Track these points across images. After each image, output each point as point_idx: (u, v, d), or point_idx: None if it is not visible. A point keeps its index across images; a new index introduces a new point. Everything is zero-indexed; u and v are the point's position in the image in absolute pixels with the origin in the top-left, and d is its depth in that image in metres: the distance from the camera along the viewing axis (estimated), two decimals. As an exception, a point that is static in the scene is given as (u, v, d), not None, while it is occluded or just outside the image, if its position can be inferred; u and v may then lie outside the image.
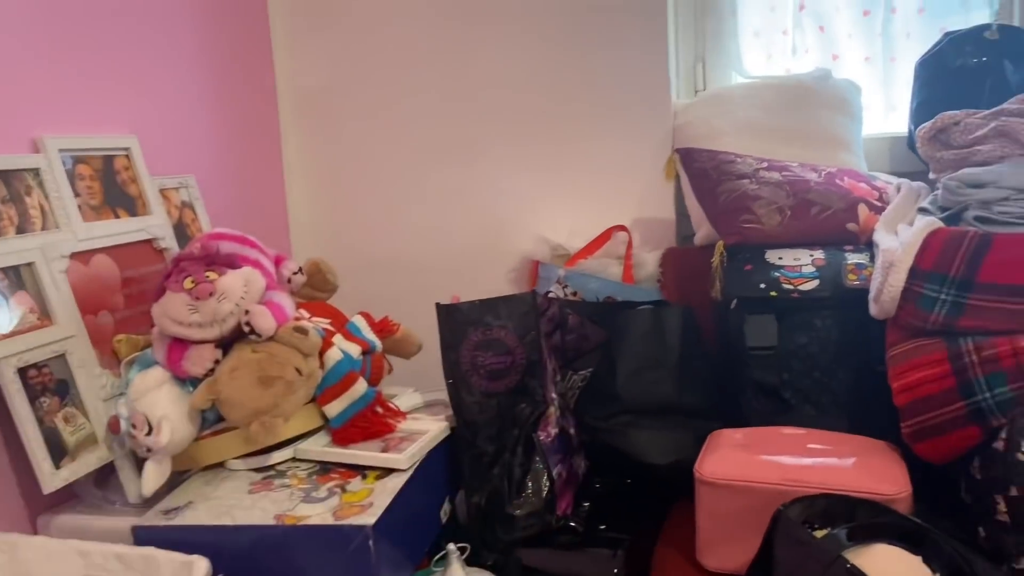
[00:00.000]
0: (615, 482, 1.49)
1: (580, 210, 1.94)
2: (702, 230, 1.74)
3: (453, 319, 1.37)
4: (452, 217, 2.02)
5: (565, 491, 1.37)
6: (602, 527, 1.36)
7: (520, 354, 1.36)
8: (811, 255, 1.49)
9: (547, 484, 1.33)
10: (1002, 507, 1.17)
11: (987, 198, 1.30)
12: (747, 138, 1.81)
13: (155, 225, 1.52)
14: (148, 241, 1.51)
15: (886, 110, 1.92)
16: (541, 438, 1.35)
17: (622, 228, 1.89)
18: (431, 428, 1.35)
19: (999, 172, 1.31)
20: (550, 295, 1.54)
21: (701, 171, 1.65)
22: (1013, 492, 1.16)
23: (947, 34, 1.76)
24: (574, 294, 1.81)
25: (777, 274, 1.46)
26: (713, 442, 1.35)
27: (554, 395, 1.40)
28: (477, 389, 1.35)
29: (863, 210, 1.55)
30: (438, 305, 1.38)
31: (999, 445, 1.18)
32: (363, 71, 2.04)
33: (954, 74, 1.72)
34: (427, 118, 2.02)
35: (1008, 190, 1.30)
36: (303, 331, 1.28)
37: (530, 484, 1.33)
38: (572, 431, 1.45)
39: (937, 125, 1.45)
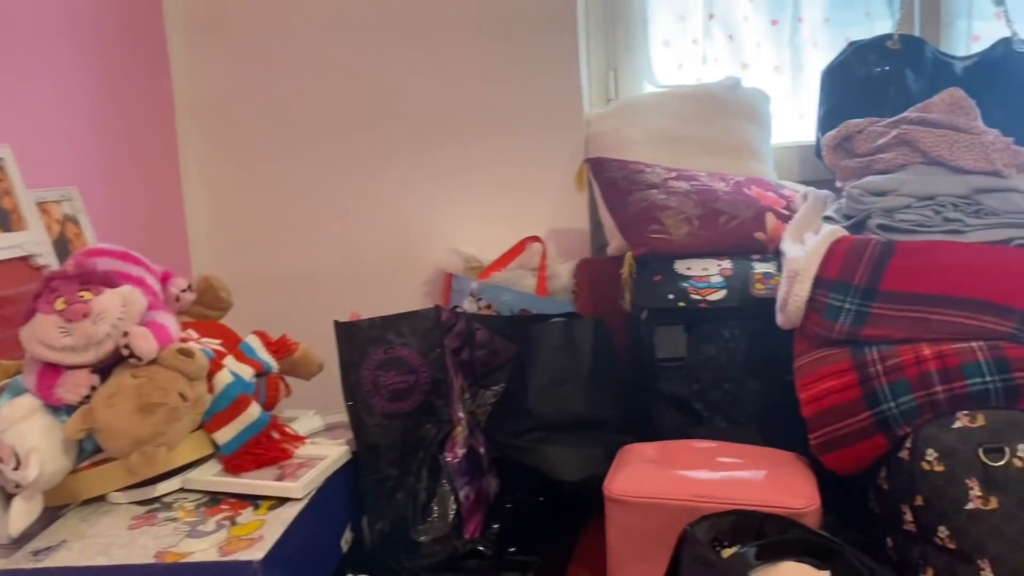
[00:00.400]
0: (527, 501, 1.45)
1: (494, 221, 1.90)
2: (614, 240, 1.71)
3: (353, 337, 1.31)
4: (362, 229, 1.96)
5: (473, 514, 1.32)
6: (512, 550, 1.31)
7: (424, 373, 1.30)
8: (719, 265, 1.48)
9: (454, 507, 1.28)
10: (908, 517, 1.17)
11: (889, 206, 1.30)
12: (658, 147, 1.79)
13: (32, 241, 1.42)
14: (24, 258, 1.40)
15: (795, 118, 1.94)
16: (448, 459, 1.30)
17: (536, 239, 1.85)
18: (330, 453, 1.28)
19: (900, 180, 1.32)
20: (458, 310, 1.50)
21: (611, 181, 1.62)
22: (918, 501, 1.15)
23: (851, 43, 1.79)
24: (488, 307, 1.76)
25: (685, 285, 1.44)
26: (623, 457, 1.32)
27: (461, 414, 1.35)
28: (379, 410, 1.29)
29: (770, 219, 1.54)
30: (336, 323, 1.32)
31: (904, 455, 1.17)
32: (267, 78, 1.96)
33: (859, 83, 1.74)
34: (335, 127, 1.95)
35: (909, 198, 1.31)
36: (188, 353, 1.20)
37: (436, 508, 1.28)
38: (482, 450, 1.40)
39: (841, 133, 1.46)
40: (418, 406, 1.30)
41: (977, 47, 1.81)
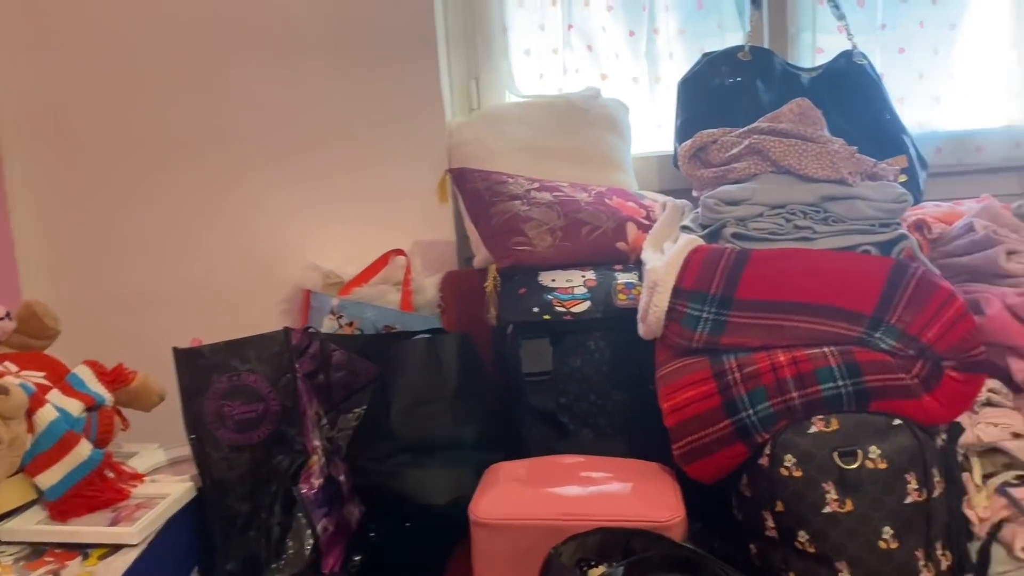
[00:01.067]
0: (393, 529, 1.38)
1: (355, 234, 1.83)
2: (480, 253, 1.67)
3: (194, 365, 1.21)
4: (211, 247, 1.84)
5: (333, 546, 1.25)
6: (376, 581, 1.25)
7: (274, 400, 1.22)
8: (583, 276, 1.46)
9: (311, 541, 1.20)
10: (770, 523, 1.18)
11: (743, 215, 1.32)
12: (521, 157, 1.77)
13: None
14: None
15: (654, 128, 1.96)
16: (303, 491, 1.22)
17: (400, 252, 1.79)
18: (172, 491, 1.18)
19: (753, 189, 1.34)
20: (311, 330, 1.42)
21: (474, 192, 1.59)
22: (779, 507, 1.16)
23: (705, 55, 1.82)
24: (350, 324, 1.69)
25: (550, 297, 1.42)
26: (490, 478, 1.28)
27: (317, 443, 1.27)
28: (225, 443, 1.20)
29: (631, 229, 1.54)
30: (176, 350, 1.22)
31: (764, 461, 1.18)
32: (104, 89, 1.82)
33: (713, 93, 1.78)
34: (179, 139, 1.83)
35: (762, 206, 1.33)
36: (3, 390, 1.08)
37: (291, 543, 1.19)
38: (342, 478, 1.33)
39: (696, 143, 1.47)
40: (268, 436, 1.22)
41: (821, 59, 1.89)
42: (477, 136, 1.80)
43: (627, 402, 1.40)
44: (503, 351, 1.45)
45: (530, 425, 1.40)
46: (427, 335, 1.49)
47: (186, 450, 1.30)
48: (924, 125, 1.92)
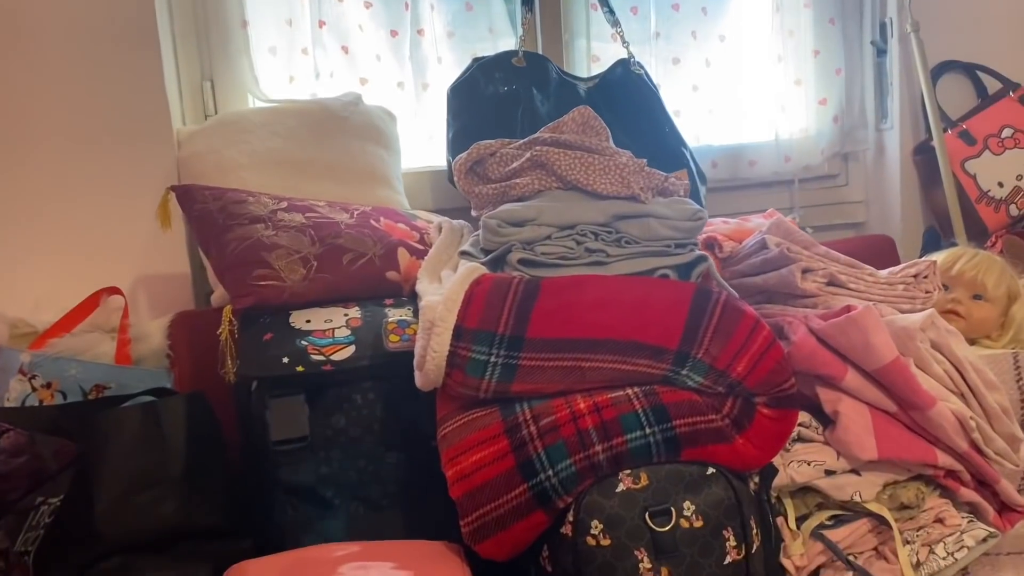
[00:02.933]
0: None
1: (54, 271, 1.46)
2: (218, 289, 1.37)
3: None
4: None
5: None
6: None
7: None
8: (346, 314, 1.21)
9: None
10: (577, 601, 0.99)
11: (529, 237, 1.14)
12: (269, 172, 1.50)
13: None
14: None
15: (425, 139, 1.75)
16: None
17: (115, 291, 1.44)
18: None
19: (538, 208, 1.16)
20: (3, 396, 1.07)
21: (203, 214, 1.28)
22: (586, 582, 0.98)
23: (476, 60, 1.64)
24: (47, 387, 1.32)
25: (304, 343, 1.15)
26: (229, 586, 0.99)
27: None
28: None
29: (403, 255, 1.32)
30: None
31: (567, 530, 1.00)
32: None
33: (487, 101, 1.60)
34: None
35: (549, 227, 1.15)
36: None
37: None
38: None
39: (472, 156, 1.27)
40: None
41: (597, 68, 1.78)
42: (212, 147, 1.50)
43: (405, 464, 1.17)
44: (246, 413, 1.18)
45: (283, 505, 1.13)
46: (145, 399, 1.18)
47: None
48: (700, 138, 1.86)
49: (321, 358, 1.14)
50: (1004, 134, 1.81)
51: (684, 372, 1.03)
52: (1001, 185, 1.79)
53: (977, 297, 1.42)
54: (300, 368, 1.13)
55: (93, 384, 1.33)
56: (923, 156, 1.87)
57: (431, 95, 1.73)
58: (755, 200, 1.87)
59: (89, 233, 1.49)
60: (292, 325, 1.18)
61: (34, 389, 1.32)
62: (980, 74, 1.88)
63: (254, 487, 1.18)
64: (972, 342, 1.41)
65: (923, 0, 1.82)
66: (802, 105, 1.90)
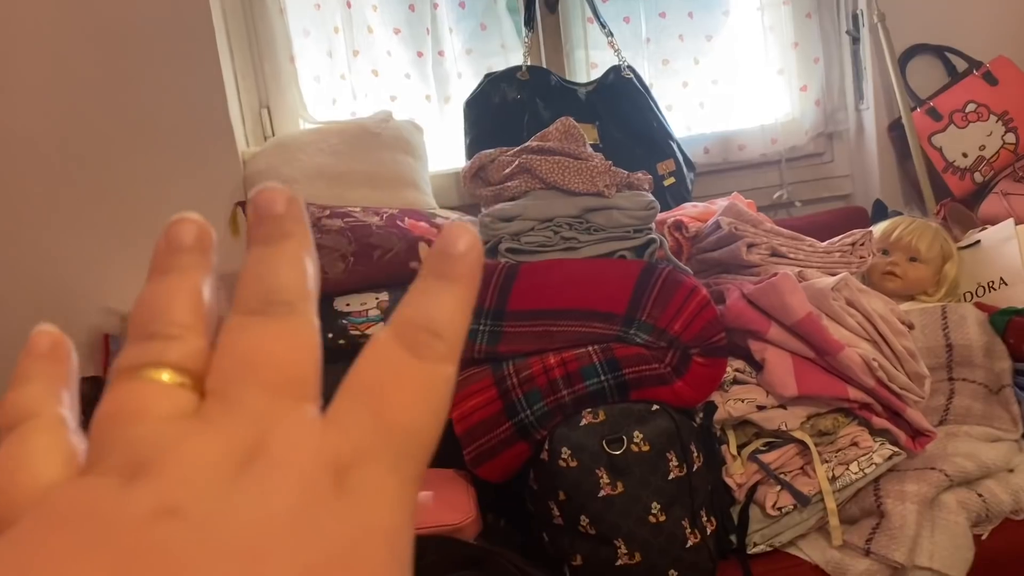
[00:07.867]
0: None
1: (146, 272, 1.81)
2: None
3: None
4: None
5: None
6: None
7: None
8: (377, 298, 1.53)
9: None
10: (555, 511, 1.29)
11: (516, 230, 1.42)
12: (318, 185, 1.81)
13: None
14: None
15: (450, 145, 2.04)
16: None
17: (201, 287, 1.79)
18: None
19: (524, 206, 1.44)
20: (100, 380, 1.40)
21: (264, 224, 1.61)
22: (561, 496, 1.28)
23: (487, 76, 1.93)
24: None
25: (344, 322, 1.48)
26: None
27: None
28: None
29: (423, 248, 1.62)
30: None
31: (544, 456, 1.29)
32: None
33: (496, 112, 1.89)
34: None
35: (532, 221, 1.43)
36: None
37: None
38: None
39: (475, 164, 1.56)
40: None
41: (596, 73, 2.03)
42: (272, 164, 1.83)
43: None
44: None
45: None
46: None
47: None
48: (692, 128, 2.10)
49: (358, 333, 1.46)
50: (968, 109, 1.99)
51: (632, 331, 1.31)
52: (965, 156, 1.98)
53: (913, 259, 1.63)
54: (342, 342, 1.45)
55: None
56: (897, 132, 2.07)
57: (453, 106, 2.03)
58: (746, 179, 2.11)
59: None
60: (335, 308, 1.51)
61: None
62: (948, 55, 2.06)
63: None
64: (911, 298, 1.63)
65: (892, -11, 2.02)
66: (785, 92, 2.12)
